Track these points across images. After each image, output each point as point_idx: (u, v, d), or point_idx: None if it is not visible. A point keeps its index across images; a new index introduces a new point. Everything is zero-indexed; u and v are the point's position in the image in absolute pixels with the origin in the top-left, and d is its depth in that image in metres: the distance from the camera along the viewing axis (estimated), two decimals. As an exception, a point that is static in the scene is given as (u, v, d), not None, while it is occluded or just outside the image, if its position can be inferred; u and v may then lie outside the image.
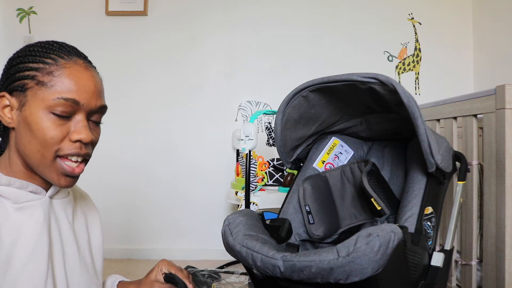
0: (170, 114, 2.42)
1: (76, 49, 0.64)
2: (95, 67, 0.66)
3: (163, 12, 2.42)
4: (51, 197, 0.65)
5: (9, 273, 0.55)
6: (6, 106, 0.60)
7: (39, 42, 0.62)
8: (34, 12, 2.41)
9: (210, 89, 2.42)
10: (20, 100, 0.59)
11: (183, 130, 2.41)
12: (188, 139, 2.41)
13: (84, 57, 0.64)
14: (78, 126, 0.60)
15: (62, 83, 0.58)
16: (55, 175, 0.60)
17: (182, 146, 2.41)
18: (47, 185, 0.65)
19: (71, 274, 0.65)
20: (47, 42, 0.62)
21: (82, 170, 0.63)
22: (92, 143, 0.64)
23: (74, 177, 0.62)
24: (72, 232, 0.68)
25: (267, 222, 0.91)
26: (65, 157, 0.60)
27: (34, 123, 0.57)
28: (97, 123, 0.66)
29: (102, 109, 0.65)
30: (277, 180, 2.00)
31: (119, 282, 0.82)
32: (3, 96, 0.60)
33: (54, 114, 0.58)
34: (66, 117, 0.59)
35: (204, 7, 2.41)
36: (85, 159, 0.63)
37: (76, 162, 0.61)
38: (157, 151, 2.40)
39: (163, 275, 0.79)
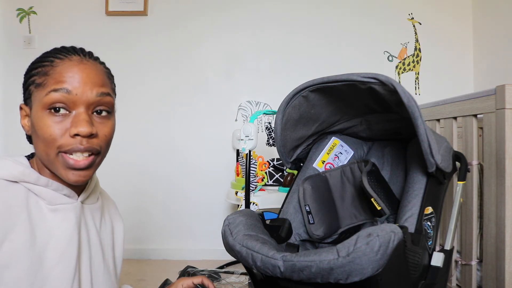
0: (170, 114, 2.42)
1: (74, 47, 0.64)
2: (96, 58, 0.65)
3: (163, 12, 2.42)
4: (82, 202, 0.67)
5: (41, 270, 0.57)
6: (25, 116, 0.65)
7: (49, 50, 0.65)
8: (34, 12, 2.41)
9: (210, 89, 2.42)
10: (30, 107, 0.62)
11: (183, 130, 2.41)
12: (188, 139, 2.41)
13: (80, 52, 0.63)
14: (76, 119, 0.59)
15: (53, 79, 0.59)
16: (62, 171, 0.60)
17: (182, 146, 2.41)
18: (78, 190, 0.66)
19: (95, 278, 0.67)
20: (54, 48, 0.65)
21: (90, 163, 0.61)
22: (99, 136, 0.62)
23: (82, 170, 0.60)
24: (98, 238, 0.70)
25: (267, 222, 0.91)
26: (68, 153, 0.59)
27: (36, 124, 0.59)
28: (105, 115, 0.64)
29: (103, 97, 0.62)
30: (277, 180, 2.00)
31: None
32: (21, 108, 0.65)
33: (50, 111, 0.58)
34: (64, 111, 0.59)
35: (204, 7, 2.41)
36: (93, 153, 0.61)
37: (81, 156, 0.60)
38: (157, 151, 2.40)
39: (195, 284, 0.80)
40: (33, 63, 0.63)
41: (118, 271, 0.76)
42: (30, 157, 0.67)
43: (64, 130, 0.59)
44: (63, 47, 0.64)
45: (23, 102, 0.65)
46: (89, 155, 0.61)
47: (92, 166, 0.62)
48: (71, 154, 0.59)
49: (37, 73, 0.61)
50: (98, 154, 0.62)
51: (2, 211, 0.55)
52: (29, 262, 0.55)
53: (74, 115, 0.59)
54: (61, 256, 0.59)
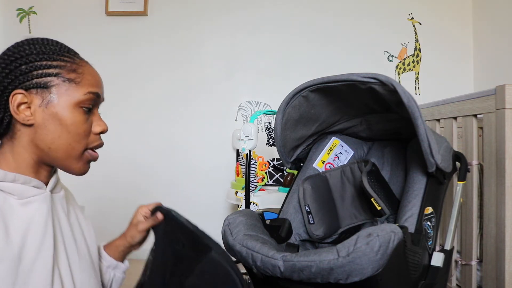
0: (170, 114, 2.41)
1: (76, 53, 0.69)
2: None
3: (163, 12, 2.42)
4: (51, 192, 0.67)
5: (21, 266, 0.57)
6: (22, 103, 0.60)
7: (39, 39, 0.65)
8: (34, 12, 2.41)
9: (210, 89, 2.42)
10: (44, 97, 0.61)
11: (183, 130, 2.41)
12: (188, 139, 2.41)
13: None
14: (96, 118, 0.67)
15: (87, 79, 0.64)
16: (80, 165, 0.65)
17: (182, 146, 2.41)
18: (46, 179, 0.67)
19: (73, 264, 0.68)
20: (49, 40, 0.66)
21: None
22: None
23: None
24: (68, 225, 0.70)
25: (267, 222, 0.91)
26: (94, 149, 0.67)
27: (67, 118, 0.62)
28: None
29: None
30: (277, 180, 2.00)
31: (104, 246, 0.85)
32: (19, 93, 0.60)
33: (83, 108, 0.63)
34: (89, 111, 0.65)
35: (205, 7, 2.41)
36: None
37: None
38: (156, 151, 2.40)
39: (151, 210, 0.82)
40: (42, 52, 0.62)
41: (93, 254, 0.75)
42: None
43: (90, 127, 0.66)
44: (61, 44, 0.66)
45: (20, 89, 0.60)
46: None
47: None
48: (94, 151, 0.67)
49: (59, 66, 0.62)
50: None
51: None
52: (8, 260, 0.55)
53: (93, 115, 0.67)
54: (40, 246, 0.59)
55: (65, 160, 0.64)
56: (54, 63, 0.62)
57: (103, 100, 0.70)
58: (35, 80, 0.60)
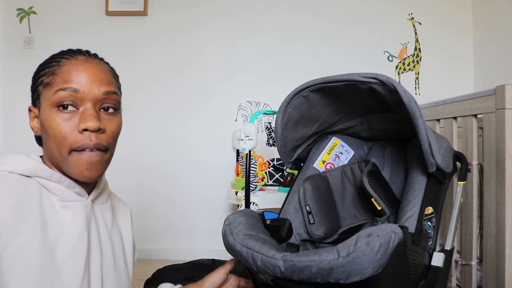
0: (170, 114, 2.42)
1: (80, 49, 0.67)
2: (101, 59, 0.68)
3: (163, 12, 2.42)
4: (92, 201, 0.68)
5: (52, 264, 0.57)
6: (34, 117, 0.66)
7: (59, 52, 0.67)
8: (34, 12, 2.41)
9: (210, 89, 2.42)
10: (38, 108, 0.64)
11: (182, 130, 2.41)
12: (188, 139, 2.41)
13: (86, 53, 0.66)
14: (84, 115, 0.61)
15: (60, 78, 0.61)
16: (75, 169, 0.61)
17: (182, 146, 2.41)
18: (88, 189, 0.67)
19: (106, 276, 0.67)
20: (60, 51, 0.67)
21: (103, 160, 0.63)
22: (106, 132, 0.63)
23: (94, 167, 0.62)
24: (109, 237, 0.70)
25: (268, 222, 0.90)
26: (79, 150, 0.61)
27: (46, 123, 0.61)
28: (112, 112, 0.65)
29: (109, 95, 0.64)
30: (277, 180, 2.00)
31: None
32: (30, 109, 0.66)
33: (59, 108, 0.60)
34: (72, 108, 0.60)
35: (205, 7, 2.41)
36: (101, 150, 0.62)
37: (92, 153, 0.61)
38: (156, 151, 2.40)
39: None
40: (41, 65, 0.65)
41: (129, 274, 0.76)
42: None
43: (73, 127, 0.60)
44: (69, 49, 0.66)
45: (31, 104, 0.66)
46: (100, 152, 0.63)
47: (102, 162, 0.63)
48: (82, 152, 0.61)
49: (45, 73, 0.62)
50: (106, 150, 0.64)
51: (16, 204, 0.55)
52: (40, 255, 0.56)
53: (81, 111, 0.61)
54: (71, 252, 0.60)
55: (63, 166, 0.62)
56: (43, 72, 0.63)
57: (103, 95, 0.62)
58: (35, 93, 0.64)
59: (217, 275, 0.81)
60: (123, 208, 0.81)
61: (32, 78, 0.66)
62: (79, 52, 0.65)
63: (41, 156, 0.68)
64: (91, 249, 0.64)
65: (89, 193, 0.68)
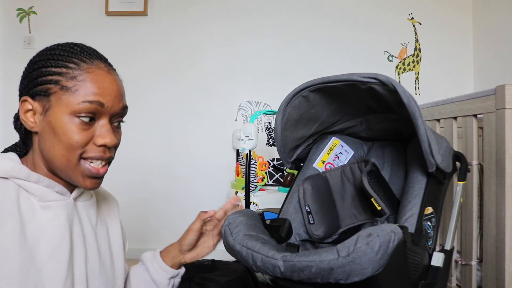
0: (170, 114, 2.42)
1: (96, 51, 0.64)
2: (115, 69, 0.66)
3: (163, 12, 2.42)
4: (75, 199, 0.67)
5: (33, 267, 0.56)
6: (29, 110, 0.61)
7: (59, 45, 0.63)
8: (34, 12, 2.41)
9: (210, 89, 2.42)
10: (44, 104, 0.60)
11: (182, 130, 2.41)
12: (188, 139, 2.41)
13: (104, 60, 0.64)
14: (103, 130, 0.61)
15: (87, 87, 0.58)
16: (80, 178, 0.61)
17: (182, 146, 2.41)
18: (71, 187, 0.66)
19: (92, 274, 0.66)
20: (68, 45, 0.62)
21: (106, 171, 0.64)
22: (115, 146, 0.65)
23: (99, 178, 0.63)
24: (94, 235, 0.69)
25: (267, 222, 0.90)
26: (89, 159, 0.61)
27: (59, 128, 0.58)
28: (119, 125, 0.67)
29: (124, 110, 0.65)
30: (277, 180, 2.00)
31: (160, 252, 0.84)
32: (25, 100, 0.61)
33: (79, 118, 0.58)
34: (90, 121, 0.60)
35: (205, 7, 2.41)
36: (109, 162, 0.65)
37: (100, 164, 0.62)
38: (156, 151, 2.40)
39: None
40: (51, 58, 0.60)
41: (117, 269, 0.74)
42: (20, 154, 0.65)
43: (90, 138, 0.60)
44: (83, 48, 0.62)
45: (26, 95, 0.61)
46: (106, 164, 0.64)
47: (105, 173, 0.64)
48: (92, 162, 0.61)
49: (61, 73, 0.59)
50: (111, 162, 0.65)
51: None
52: (20, 259, 0.55)
53: (99, 125, 0.61)
54: (53, 252, 0.59)
55: (64, 171, 0.61)
56: (58, 69, 0.59)
57: (121, 110, 0.63)
58: (39, 87, 0.60)
59: (192, 234, 0.87)
60: (109, 202, 0.79)
61: (33, 65, 0.61)
62: (96, 57, 0.63)
63: (23, 154, 0.66)
64: (74, 248, 0.63)
65: (71, 191, 0.66)
